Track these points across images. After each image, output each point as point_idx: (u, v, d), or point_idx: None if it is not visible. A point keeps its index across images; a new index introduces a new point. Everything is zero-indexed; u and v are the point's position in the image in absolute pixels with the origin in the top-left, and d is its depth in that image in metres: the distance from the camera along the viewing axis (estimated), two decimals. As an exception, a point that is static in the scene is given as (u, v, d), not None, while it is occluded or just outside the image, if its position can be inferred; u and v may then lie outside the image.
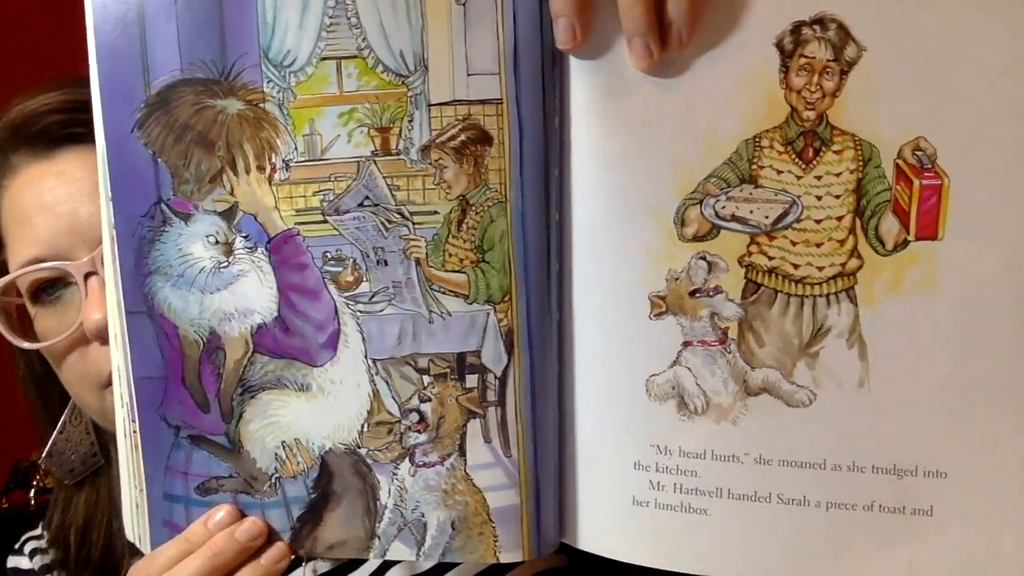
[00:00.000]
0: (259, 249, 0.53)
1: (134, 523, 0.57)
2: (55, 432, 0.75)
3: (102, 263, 0.57)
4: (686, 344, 0.51)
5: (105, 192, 0.54)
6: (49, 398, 0.78)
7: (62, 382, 0.71)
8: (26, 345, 0.70)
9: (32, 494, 0.81)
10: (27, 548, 0.82)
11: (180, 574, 0.52)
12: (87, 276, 0.64)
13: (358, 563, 0.71)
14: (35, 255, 0.66)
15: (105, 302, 0.56)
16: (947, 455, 0.48)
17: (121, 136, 0.53)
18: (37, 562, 0.80)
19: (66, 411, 0.75)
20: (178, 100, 0.52)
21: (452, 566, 0.70)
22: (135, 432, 0.56)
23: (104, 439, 0.77)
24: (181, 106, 0.52)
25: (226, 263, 0.53)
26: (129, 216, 0.53)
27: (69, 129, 0.67)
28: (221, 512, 0.55)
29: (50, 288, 0.67)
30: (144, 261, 0.54)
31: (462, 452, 0.53)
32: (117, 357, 0.56)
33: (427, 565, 0.70)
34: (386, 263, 0.52)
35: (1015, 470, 0.48)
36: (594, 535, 0.54)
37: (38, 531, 0.83)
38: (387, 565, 0.70)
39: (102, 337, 0.61)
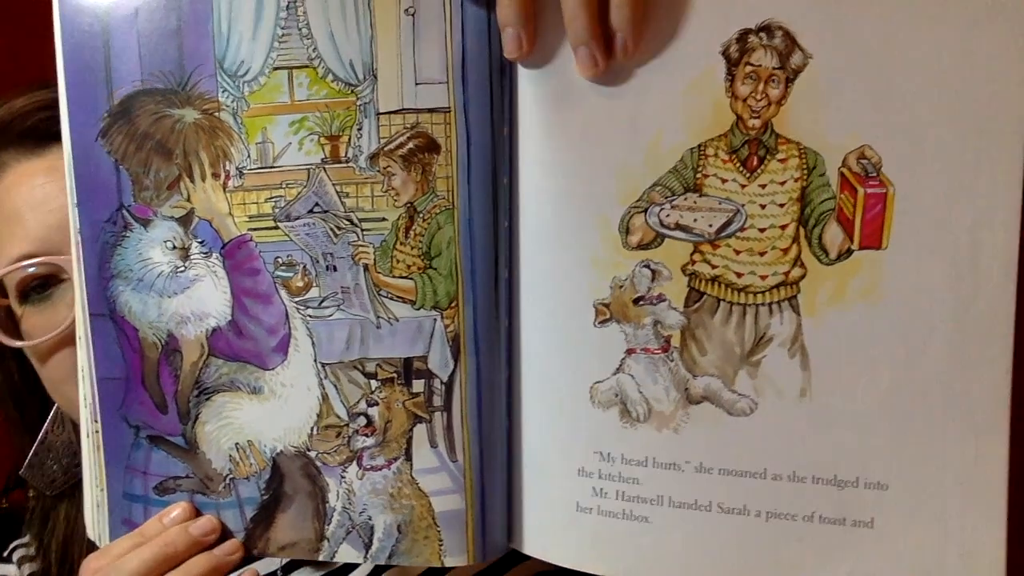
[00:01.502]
0: (214, 254, 0.49)
1: (95, 521, 0.53)
2: (36, 442, 0.69)
3: None
4: (629, 352, 0.47)
5: (72, 198, 0.51)
6: (28, 408, 0.73)
7: (46, 383, 0.66)
8: (15, 344, 0.65)
9: (31, 495, 0.78)
10: (15, 556, 0.77)
11: (130, 562, 0.49)
12: None
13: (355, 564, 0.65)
14: (27, 251, 0.62)
15: None
16: (888, 467, 0.44)
17: (86, 144, 0.50)
18: (25, 570, 0.75)
19: (48, 420, 0.69)
20: (139, 110, 0.49)
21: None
22: (97, 432, 0.52)
23: None
24: (142, 115, 0.49)
25: (183, 268, 0.50)
26: (93, 221, 0.51)
27: (59, 125, 0.61)
28: (177, 510, 0.51)
29: (40, 286, 0.62)
30: (107, 265, 0.51)
31: (408, 456, 0.49)
32: (82, 358, 0.52)
33: None
34: (335, 268, 0.49)
35: (956, 482, 0.43)
36: (540, 541, 0.50)
37: (26, 538, 0.78)
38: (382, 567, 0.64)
39: None
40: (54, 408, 0.69)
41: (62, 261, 0.60)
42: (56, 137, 0.61)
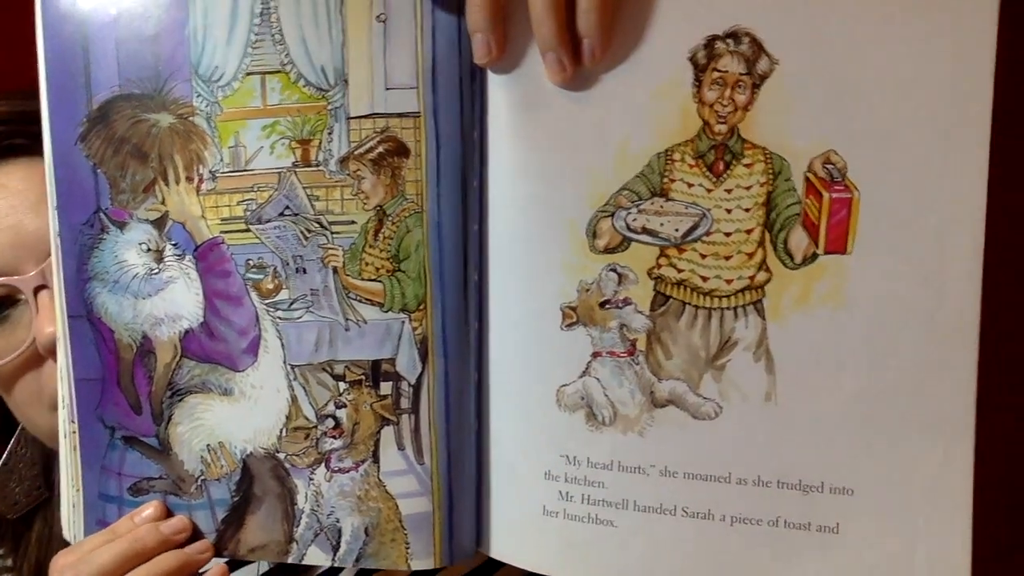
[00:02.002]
0: (187, 256, 0.49)
1: (70, 522, 0.53)
2: None
3: (51, 276, 0.53)
4: (595, 355, 0.46)
5: (52, 201, 0.51)
6: None
7: (11, 407, 0.63)
8: None
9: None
10: None
11: (100, 557, 0.48)
12: (37, 290, 0.57)
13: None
14: None
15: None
16: (854, 472, 0.43)
17: (66, 148, 0.50)
18: None
19: (12, 442, 0.67)
20: (116, 114, 0.49)
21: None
22: (74, 433, 0.52)
23: (54, 474, 0.67)
24: (119, 120, 0.49)
25: (157, 270, 0.49)
26: (72, 224, 0.50)
27: (9, 140, 0.60)
28: (149, 509, 0.51)
29: None
30: (84, 267, 0.50)
31: (376, 459, 0.48)
32: (61, 359, 0.52)
33: None
34: (305, 271, 0.48)
35: (923, 488, 0.42)
36: (506, 544, 0.49)
37: (1, 551, 0.74)
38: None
39: (55, 352, 0.53)
40: (18, 430, 0.67)
41: (16, 282, 0.58)
42: (8, 153, 0.60)
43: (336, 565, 0.49)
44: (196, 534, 0.51)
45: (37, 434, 0.65)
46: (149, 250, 0.50)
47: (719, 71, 0.44)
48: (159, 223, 0.50)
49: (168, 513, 0.51)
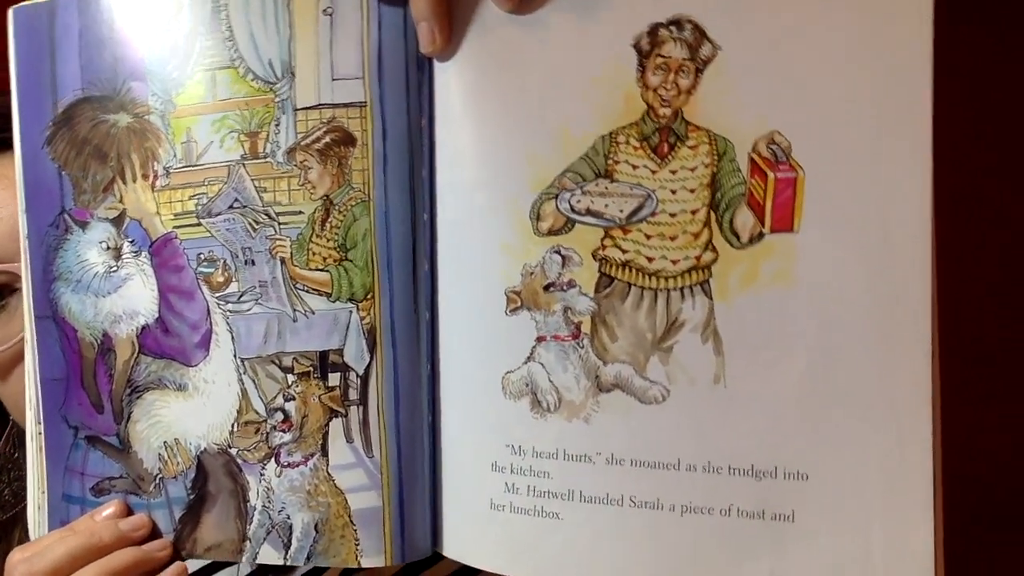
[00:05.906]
0: (143, 253, 0.48)
1: (35, 523, 0.50)
2: None
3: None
4: (540, 339, 0.43)
5: (21, 204, 0.50)
6: None
7: (5, 400, 0.60)
8: None
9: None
10: None
11: (55, 551, 0.46)
12: None
13: None
14: None
15: None
16: (808, 456, 0.39)
17: (34, 151, 0.49)
18: None
19: (0, 443, 0.65)
20: (79, 117, 0.48)
21: (427, 564, 0.57)
22: (40, 434, 0.50)
23: None
24: (81, 122, 0.48)
25: (115, 267, 0.48)
26: (39, 226, 0.49)
27: (6, 133, 0.56)
28: (110, 508, 0.48)
29: None
30: (50, 268, 0.49)
31: (324, 452, 0.45)
32: (28, 360, 0.51)
33: None
34: (253, 263, 0.46)
35: (879, 471, 0.38)
36: (457, 541, 0.46)
37: None
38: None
39: None
40: (6, 431, 0.65)
41: (16, 268, 0.55)
42: (5, 144, 0.57)
43: (288, 564, 0.47)
44: (155, 534, 0.49)
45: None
46: (108, 248, 0.49)
47: (663, 57, 0.42)
48: (117, 221, 0.49)
49: (129, 512, 0.49)
